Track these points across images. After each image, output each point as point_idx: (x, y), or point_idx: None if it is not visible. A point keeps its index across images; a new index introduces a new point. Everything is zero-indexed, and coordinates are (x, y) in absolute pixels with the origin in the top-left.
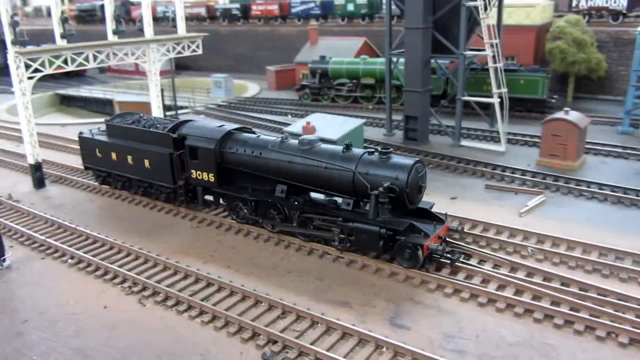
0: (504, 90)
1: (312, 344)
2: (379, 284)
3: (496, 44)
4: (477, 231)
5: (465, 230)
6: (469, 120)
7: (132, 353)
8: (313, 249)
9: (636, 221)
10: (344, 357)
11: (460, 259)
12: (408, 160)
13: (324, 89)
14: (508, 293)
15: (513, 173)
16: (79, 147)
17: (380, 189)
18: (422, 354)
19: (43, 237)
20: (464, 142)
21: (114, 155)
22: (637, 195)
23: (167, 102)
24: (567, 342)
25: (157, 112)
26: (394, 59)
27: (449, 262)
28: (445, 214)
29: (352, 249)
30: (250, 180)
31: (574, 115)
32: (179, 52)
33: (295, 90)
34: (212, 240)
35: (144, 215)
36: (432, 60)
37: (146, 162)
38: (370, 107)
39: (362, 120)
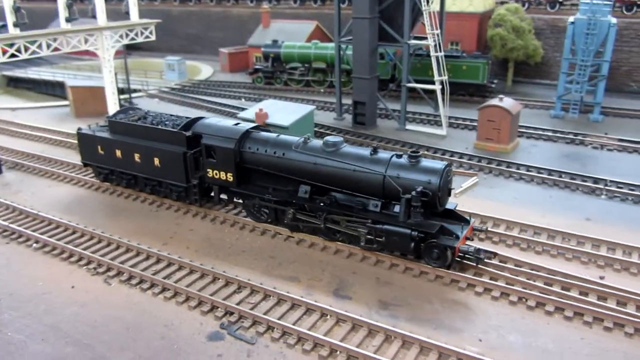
0: (445, 77)
1: (265, 313)
2: (325, 260)
3: (437, 34)
4: None
5: (489, 229)
6: (416, 104)
7: (102, 326)
8: (266, 229)
9: (557, 200)
10: (293, 324)
11: (485, 259)
12: (438, 164)
13: (277, 72)
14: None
15: (452, 156)
16: (77, 143)
17: (414, 193)
18: (360, 319)
19: (6, 223)
20: (409, 126)
21: (118, 153)
22: (560, 177)
23: (120, 85)
24: (496, 309)
25: (111, 97)
26: (343, 46)
27: (475, 262)
28: (470, 214)
29: (378, 249)
30: (270, 180)
31: (507, 102)
32: (132, 39)
33: (248, 73)
34: (171, 224)
35: (103, 200)
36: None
37: (156, 161)
38: (322, 90)
39: (313, 107)
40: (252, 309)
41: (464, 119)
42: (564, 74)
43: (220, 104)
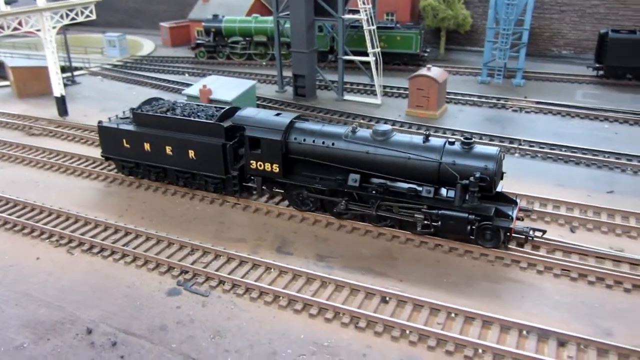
0: (378, 49)
1: (216, 270)
2: (269, 223)
3: (369, 8)
4: None
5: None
6: (354, 74)
7: (69, 290)
8: (214, 199)
9: None
10: (241, 277)
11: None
12: (492, 150)
13: (219, 47)
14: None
15: (385, 123)
16: (98, 136)
17: (471, 178)
18: (300, 270)
19: None
20: (347, 96)
21: (147, 146)
22: (481, 138)
23: (61, 63)
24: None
25: (55, 77)
26: (281, 21)
27: (529, 238)
28: (516, 195)
29: (433, 234)
30: (317, 169)
31: (434, 72)
32: (73, 19)
33: (190, 48)
34: (124, 197)
35: (54, 179)
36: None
37: (191, 153)
38: (264, 63)
39: (254, 82)
40: (205, 267)
41: (399, 88)
42: (489, 42)
43: (164, 80)
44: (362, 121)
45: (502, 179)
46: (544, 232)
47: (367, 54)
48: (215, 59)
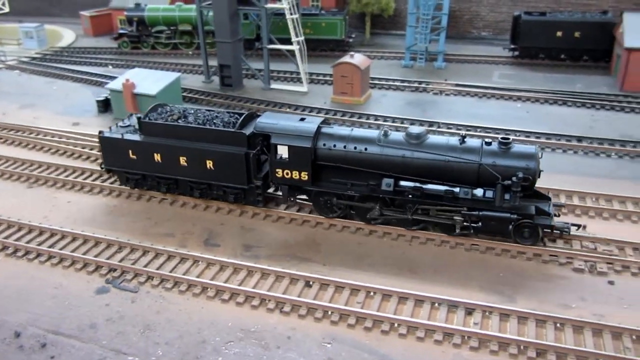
0: (302, 38)
1: (144, 266)
2: (196, 216)
3: None
4: None
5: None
6: (281, 62)
7: None
8: (141, 194)
9: None
10: (170, 272)
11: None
12: (530, 149)
13: (143, 36)
14: (292, 210)
15: (310, 111)
16: (99, 147)
17: (514, 179)
18: (227, 261)
19: None
20: (274, 85)
21: (157, 157)
22: (402, 123)
23: None
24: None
25: None
26: (205, 10)
27: (566, 233)
28: (548, 191)
29: (472, 235)
30: (348, 175)
31: (357, 59)
32: None
33: (113, 38)
34: (48, 198)
35: None
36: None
37: (209, 163)
38: (190, 53)
39: (179, 74)
40: (133, 264)
41: (325, 75)
42: (410, 27)
43: (87, 73)
44: (288, 109)
45: (539, 176)
46: (584, 226)
47: (291, 43)
48: (139, 49)
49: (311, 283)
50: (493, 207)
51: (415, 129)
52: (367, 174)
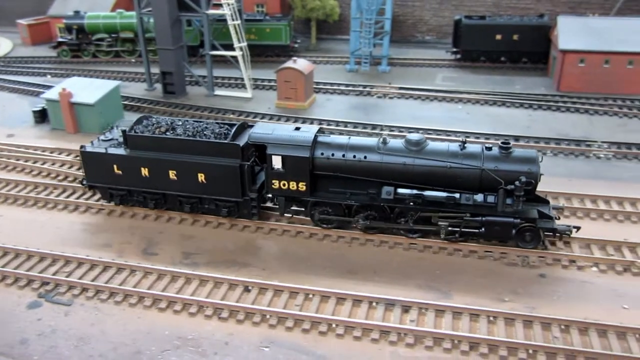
0: (244, 43)
1: (79, 278)
2: (135, 225)
3: (233, 3)
4: None
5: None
6: (226, 68)
7: None
8: (77, 206)
9: None
10: (105, 283)
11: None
12: (532, 153)
13: (83, 44)
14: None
15: (255, 117)
16: (81, 162)
17: (517, 183)
18: (164, 269)
19: None
20: (218, 91)
21: (144, 171)
22: (346, 126)
23: None
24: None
25: None
26: (145, 18)
27: (567, 235)
28: (546, 194)
29: (460, 240)
30: (346, 184)
31: (300, 64)
32: None
33: (52, 47)
34: None
35: None
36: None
37: (200, 176)
38: (133, 60)
39: (118, 82)
40: (67, 276)
41: (270, 80)
42: (354, 31)
43: (24, 83)
44: (232, 115)
45: (539, 180)
46: (579, 228)
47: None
48: (80, 58)
49: (250, 288)
50: (495, 212)
51: (414, 136)
52: (366, 182)
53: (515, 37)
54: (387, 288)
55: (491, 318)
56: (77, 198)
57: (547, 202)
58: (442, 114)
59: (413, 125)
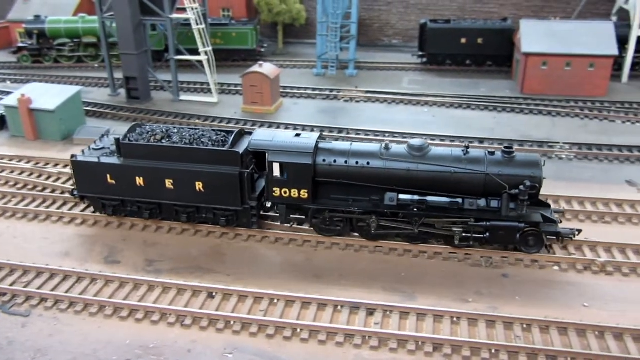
0: (209, 48)
1: (38, 288)
2: (96, 234)
3: (197, 7)
4: None
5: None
6: (192, 73)
7: None
8: (37, 214)
9: None
10: (65, 292)
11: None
12: (534, 157)
13: (44, 50)
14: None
15: (220, 122)
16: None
17: (522, 187)
18: (126, 277)
19: None
20: (183, 97)
21: (139, 181)
22: (312, 130)
23: None
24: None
25: None
26: (108, 22)
27: (569, 239)
28: (547, 198)
29: (468, 245)
30: (349, 191)
31: (266, 68)
32: None
33: (12, 52)
34: None
35: None
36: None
37: (198, 185)
38: (96, 65)
39: (79, 88)
40: (25, 286)
41: (236, 85)
42: (320, 35)
43: None
44: (197, 120)
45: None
46: (580, 231)
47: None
48: (41, 63)
49: (214, 294)
50: (499, 216)
51: (417, 142)
52: (369, 188)
53: (479, 40)
54: (352, 291)
55: (455, 319)
56: (38, 206)
57: (549, 206)
58: (408, 117)
59: (379, 128)
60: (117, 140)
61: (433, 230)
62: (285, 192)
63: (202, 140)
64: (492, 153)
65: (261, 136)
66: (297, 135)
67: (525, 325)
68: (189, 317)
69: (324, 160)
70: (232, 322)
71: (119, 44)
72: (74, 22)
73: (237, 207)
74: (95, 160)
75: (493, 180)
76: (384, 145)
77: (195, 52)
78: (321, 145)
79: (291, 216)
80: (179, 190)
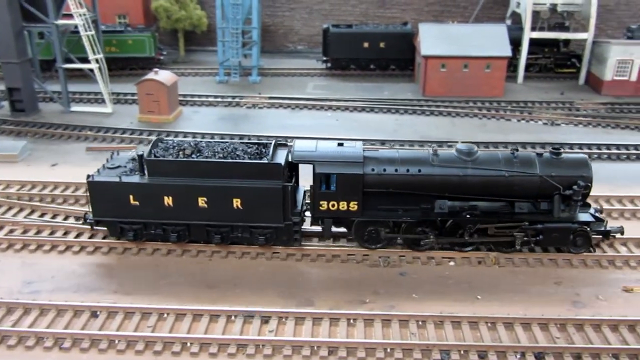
0: (100, 55)
1: None
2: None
3: (85, 13)
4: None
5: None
6: (85, 83)
7: None
8: None
9: None
10: None
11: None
12: (582, 157)
13: None
14: (84, 238)
15: (114, 133)
16: (88, 194)
17: (575, 187)
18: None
19: None
20: (74, 107)
21: (167, 200)
22: (212, 137)
23: None
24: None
25: None
26: None
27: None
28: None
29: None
30: (397, 200)
31: (162, 75)
32: None
33: None
34: None
35: None
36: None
37: (236, 202)
38: None
39: None
40: None
41: (133, 94)
42: (220, 42)
43: None
44: (88, 132)
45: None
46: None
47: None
48: None
49: (98, 313)
50: (552, 218)
51: (464, 146)
52: (418, 196)
53: (382, 44)
54: (247, 300)
55: (351, 321)
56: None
57: (589, 205)
58: (311, 122)
59: (282, 133)
60: (140, 157)
61: (487, 239)
62: (333, 205)
63: (236, 153)
64: (541, 154)
65: (303, 147)
66: (340, 144)
67: (420, 322)
68: (68, 339)
69: (372, 170)
70: (116, 341)
71: None
72: None
73: (279, 224)
74: (116, 179)
75: (547, 182)
76: (432, 150)
77: (88, 60)
78: (367, 153)
79: (333, 229)
80: (213, 209)
